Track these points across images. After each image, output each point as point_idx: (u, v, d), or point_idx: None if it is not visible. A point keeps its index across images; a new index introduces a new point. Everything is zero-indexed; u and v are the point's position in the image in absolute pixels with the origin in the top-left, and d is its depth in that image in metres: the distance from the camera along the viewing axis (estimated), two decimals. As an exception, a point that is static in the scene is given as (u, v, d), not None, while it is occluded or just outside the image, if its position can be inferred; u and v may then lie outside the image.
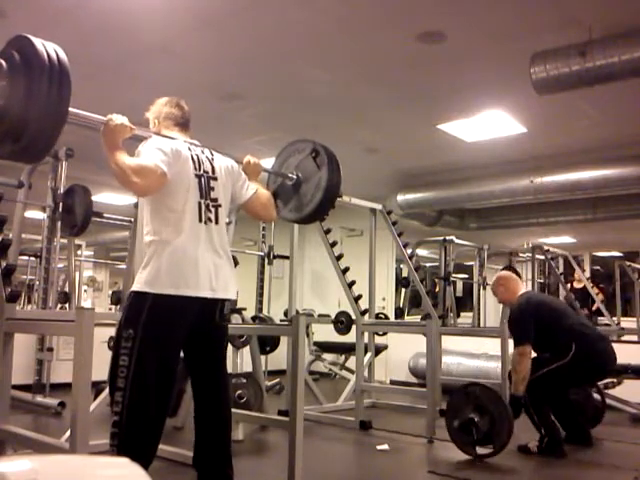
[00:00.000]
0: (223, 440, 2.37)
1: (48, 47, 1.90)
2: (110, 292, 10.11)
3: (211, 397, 2.38)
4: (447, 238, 7.04)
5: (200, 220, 2.29)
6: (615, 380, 5.09)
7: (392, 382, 7.29)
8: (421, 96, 4.82)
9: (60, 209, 4.59)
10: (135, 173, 2.11)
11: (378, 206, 5.39)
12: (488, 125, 5.34)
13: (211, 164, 2.40)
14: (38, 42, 1.89)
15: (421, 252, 9.51)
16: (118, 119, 2.18)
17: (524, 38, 3.72)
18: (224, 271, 2.34)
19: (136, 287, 2.22)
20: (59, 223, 4.67)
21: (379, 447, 3.81)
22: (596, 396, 4.44)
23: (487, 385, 3.73)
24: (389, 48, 3.97)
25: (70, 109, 1.94)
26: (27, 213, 5.29)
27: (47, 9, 3.54)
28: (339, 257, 4.88)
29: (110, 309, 7.92)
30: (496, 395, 3.63)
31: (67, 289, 5.69)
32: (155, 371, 2.18)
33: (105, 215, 4.79)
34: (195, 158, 2.35)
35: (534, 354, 3.77)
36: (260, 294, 6.37)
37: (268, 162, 6.83)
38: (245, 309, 5.21)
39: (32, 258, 6.91)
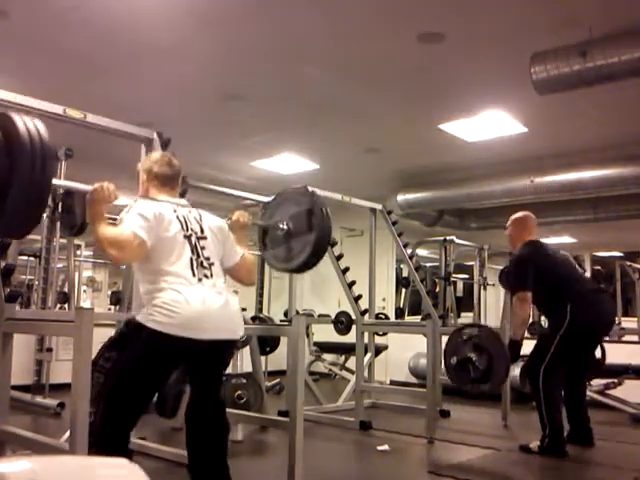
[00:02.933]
0: (221, 440, 2.37)
1: (29, 125, 1.91)
2: (109, 292, 10.10)
3: (207, 409, 2.39)
4: (447, 238, 7.04)
5: (194, 275, 2.26)
6: (615, 380, 5.10)
7: (392, 382, 7.28)
8: (421, 96, 4.82)
9: (59, 209, 4.59)
10: (111, 245, 2.14)
11: (378, 206, 5.39)
12: (488, 125, 5.33)
13: (199, 224, 2.41)
14: (20, 121, 1.91)
15: (421, 252, 9.50)
16: (103, 189, 2.23)
17: (524, 38, 3.72)
18: (228, 311, 2.30)
19: (138, 317, 2.19)
20: (58, 223, 4.67)
21: (379, 447, 3.80)
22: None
23: (485, 325, 3.76)
24: (389, 49, 3.97)
25: (54, 181, 1.96)
26: (27, 213, 5.28)
27: (49, 9, 3.53)
28: (339, 257, 4.88)
29: (109, 309, 7.92)
30: (494, 335, 3.65)
31: (66, 289, 5.68)
32: (130, 397, 2.18)
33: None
34: (182, 219, 2.35)
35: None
36: (260, 294, 6.37)
37: (268, 162, 6.80)
38: (245, 309, 5.20)
39: (31, 258, 6.90)
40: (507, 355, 3.54)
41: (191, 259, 2.28)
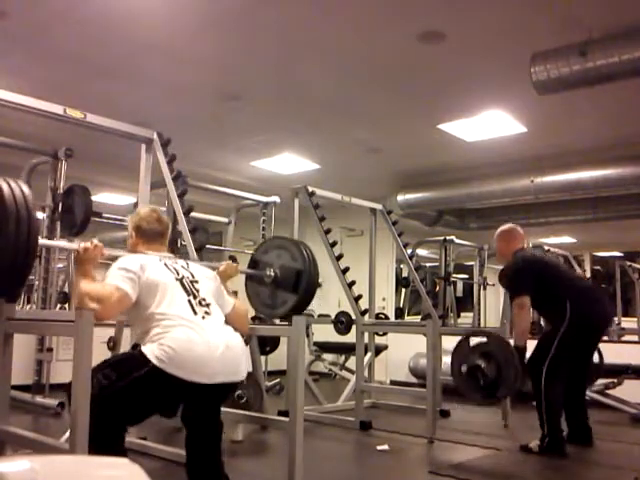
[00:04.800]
0: (215, 447, 2.38)
1: (15, 189, 1.93)
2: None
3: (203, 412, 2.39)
4: (447, 238, 7.04)
5: (195, 314, 2.25)
6: (615, 380, 5.10)
7: (392, 382, 7.28)
8: (421, 96, 4.82)
9: (60, 209, 4.59)
10: (92, 299, 2.13)
11: (378, 206, 5.38)
12: (488, 125, 5.34)
13: (188, 271, 2.42)
14: (5, 185, 1.92)
15: (421, 252, 9.49)
16: (89, 250, 2.26)
17: (524, 38, 3.72)
18: (232, 352, 2.26)
19: (144, 350, 2.15)
20: (59, 223, 4.67)
21: (379, 447, 3.80)
22: (595, 356, 4.44)
23: (494, 332, 3.71)
24: (389, 48, 3.97)
25: (40, 241, 1.99)
26: (27, 213, 5.28)
27: (48, 10, 3.54)
28: (339, 257, 4.87)
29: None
30: (503, 342, 3.61)
31: (67, 289, 5.68)
32: (120, 416, 2.15)
33: (105, 215, 4.78)
34: (170, 267, 2.37)
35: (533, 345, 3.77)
36: (260, 294, 6.35)
37: (268, 162, 6.81)
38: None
39: (32, 258, 6.89)
40: (517, 362, 3.50)
41: (189, 300, 2.28)
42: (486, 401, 3.54)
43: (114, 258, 2.38)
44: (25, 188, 2.01)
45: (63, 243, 2.22)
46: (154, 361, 2.10)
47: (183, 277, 2.35)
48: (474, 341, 3.64)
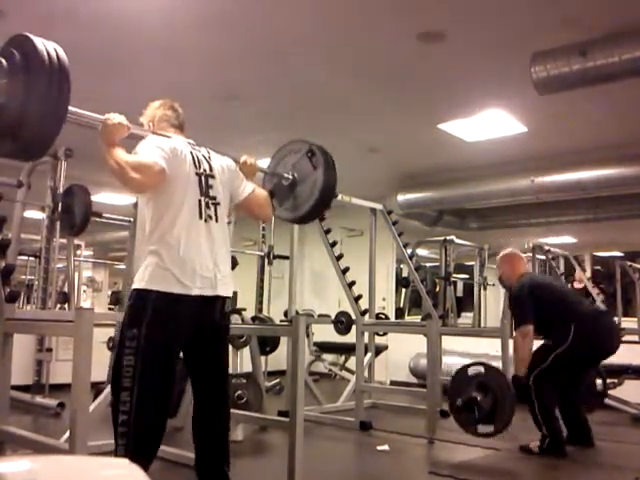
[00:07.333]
0: (222, 439, 2.38)
1: (48, 46, 1.90)
2: (109, 292, 10.11)
3: (211, 397, 2.39)
4: (447, 238, 7.04)
5: (200, 217, 2.29)
6: (615, 380, 5.09)
7: (392, 382, 7.28)
8: (421, 96, 4.82)
9: (59, 209, 4.59)
10: (133, 169, 2.11)
11: (378, 206, 5.38)
12: (488, 125, 5.33)
13: (208, 163, 2.40)
14: (39, 41, 1.90)
15: (421, 252, 9.50)
16: (116, 118, 2.19)
17: (524, 38, 3.72)
18: (224, 269, 2.34)
19: (139, 285, 2.20)
20: (58, 223, 4.67)
21: (379, 447, 3.80)
22: (598, 380, 4.41)
23: (491, 365, 3.71)
24: (389, 48, 3.97)
25: (69, 108, 1.94)
26: (26, 213, 5.29)
27: (47, 9, 3.53)
28: (339, 257, 4.87)
29: (110, 309, 7.92)
30: (499, 374, 3.62)
31: (66, 289, 5.68)
32: (160, 369, 2.19)
33: (104, 215, 4.78)
34: (194, 155, 2.36)
35: (536, 346, 3.77)
36: (260, 294, 6.37)
37: (267, 162, 6.82)
38: (245, 309, 5.20)
39: (31, 258, 6.90)
40: (513, 395, 3.49)
41: (199, 200, 2.30)
42: (482, 435, 3.54)
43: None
44: (58, 47, 1.95)
45: (90, 113, 2.16)
46: (153, 287, 2.15)
47: (202, 172, 2.35)
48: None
